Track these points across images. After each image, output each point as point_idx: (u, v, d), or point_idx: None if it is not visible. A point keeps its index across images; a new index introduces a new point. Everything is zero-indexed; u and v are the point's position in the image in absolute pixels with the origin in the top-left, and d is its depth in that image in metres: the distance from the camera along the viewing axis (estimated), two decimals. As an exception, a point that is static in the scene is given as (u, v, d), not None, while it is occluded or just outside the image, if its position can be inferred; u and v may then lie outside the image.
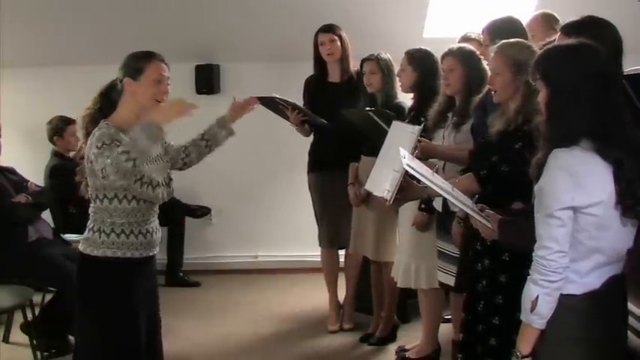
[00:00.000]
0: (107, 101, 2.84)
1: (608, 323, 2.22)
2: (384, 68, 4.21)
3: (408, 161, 2.72)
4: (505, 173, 2.76)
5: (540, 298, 2.13)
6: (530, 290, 2.15)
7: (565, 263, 2.12)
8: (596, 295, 2.18)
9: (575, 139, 2.12)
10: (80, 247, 2.85)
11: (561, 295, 2.15)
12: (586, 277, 2.17)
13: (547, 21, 3.73)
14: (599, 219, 2.13)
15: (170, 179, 2.93)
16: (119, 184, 2.68)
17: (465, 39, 4.15)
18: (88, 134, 2.79)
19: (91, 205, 2.83)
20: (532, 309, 2.14)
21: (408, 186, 3.05)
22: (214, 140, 3.13)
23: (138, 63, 2.82)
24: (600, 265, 2.18)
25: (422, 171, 2.69)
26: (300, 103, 4.51)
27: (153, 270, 2.96)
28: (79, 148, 2.97)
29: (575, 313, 2.18)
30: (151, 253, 2.88)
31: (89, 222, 2.83)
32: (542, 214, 2.14)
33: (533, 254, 2.16)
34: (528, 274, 2.19)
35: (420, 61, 3.93)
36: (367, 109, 4.02)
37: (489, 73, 3.01)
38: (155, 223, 2.90)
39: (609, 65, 2.24)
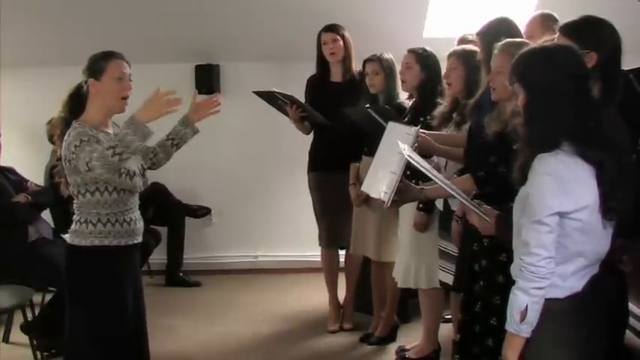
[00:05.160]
0: (76, 103, 3.00)
1: (590, 323, 2.22)
2: (386, 69, 4.21)
3: (409, 152, 2.74)
4: (503, 174, 2.75)
5: (529, 307, 2.13)
6: (519, 300, 2.14)
7: (552, 268, 2.12)
8: (578, 297, 2.19)
9: (557, 141, 2.13)
10: (68, 239, 3.00)
11: (545, 299, 2.15)
12: (568, 280, 2.18)
13: (546, 21, 3.73)
14: (583, 224, 2.14)
15: (144, 169, 3.09)
16: (104, 177, 2.84)
17: (463, 41, 4.15)
18: (61, 136, 2.96)
19: (75, 201, 2.98)
20: (522, 319, 2.13)
21: (405, 188, 3.07)
22: (180, 139, 3.17)
23: (98, 63, 2.96)
24: (582, 267, 2.19)
25: (422, 163, 2.71)
26: (300, 100, 4.51)
27: (137, 259, 3.13)
28: (54, 150, 3.12)
29: (559, 316, 2.18)
30: (134, 241, 3.04)
31: (75, 216, 2.99)
32: (530, 220, 2.14)
33: (520, 261, 2.15)
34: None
35: (428, 61, 3.95)
36: (367, 106, 4.03)
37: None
38: (136, 212, 3.07)
39: (584, 66, 2.25)
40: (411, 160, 2.72)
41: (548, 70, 2.18)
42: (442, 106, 3.72)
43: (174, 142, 3.16)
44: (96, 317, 2.93)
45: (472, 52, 3.56)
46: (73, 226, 2.99)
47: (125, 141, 2.75)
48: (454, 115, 3.62)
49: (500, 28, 3.17)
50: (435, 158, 3.58)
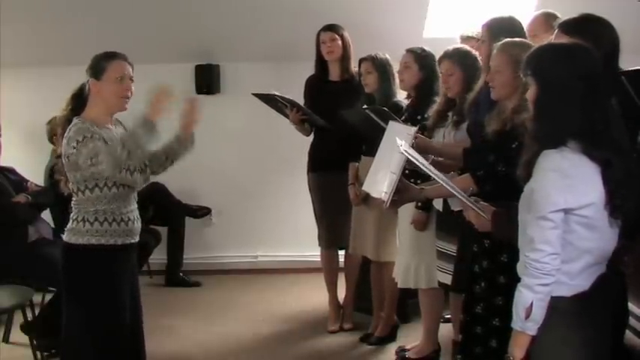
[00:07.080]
0: (79, 102, 3.04)
1: (597, 322, 2.22)
2: (379, 67, 4.22)
3: (406, 147, 2.75)
4: (502, 173, 2.76)
5: (535, 304, 2.12)
6: (524, 297, 2.14)
7: (558, 265, 2.12)
8: (585, 295, 2.19)
9: (563, 138, 2.13)
10: (65, 237, 3.01)
11: (551, 297, 2.15)
12: (576, 278, 2.18)
13: (548, 21, 3.72)
14: (589, 220, 2.14)
15: (145, 166, 3.06)
16: (106, 174, 2.85)
17: (464, 38, 4.16)
18: (63, 134, 2.98)
19: (74, 198, 3.00)
20: (527, 316, 2.13)
21: (404, 188, 3.07)
22: (174, 155, 3.16)
23: (100, 63, 3.00)
24: (589, 266, 2.19)
25: (419, 159, 2.72)
26: (300, 102, 4.52)
27: (134, 259, 3.14)
28: (54, 150, 3.14)
29: (566, 314, 2.18)
30: (131, 241, 3.05)
31: (72, 214, 3.00)
32: (534, 216, 2.14)
33: (525, 258, 2.15)
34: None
35: (427, 61, 3.96)
36: (364, 107, 4.03)
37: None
38: (135, 212, 3.08)
39: (600, 67, 2.25)
40: (407, 156, 2.72)
41: (563, 66, 2.18)
42: (436, 105, 3.72)
43: (169, 157, 3.15)
44: (92, 316, 2.94)
45: (465, 52, 3.57)
46: (69, 224, 3.00)
47: (135, 138, 2.84)
48: (449, 114, 3.63)
49: (506, 26, 3.17)
50: (431, 157, 3.58)
